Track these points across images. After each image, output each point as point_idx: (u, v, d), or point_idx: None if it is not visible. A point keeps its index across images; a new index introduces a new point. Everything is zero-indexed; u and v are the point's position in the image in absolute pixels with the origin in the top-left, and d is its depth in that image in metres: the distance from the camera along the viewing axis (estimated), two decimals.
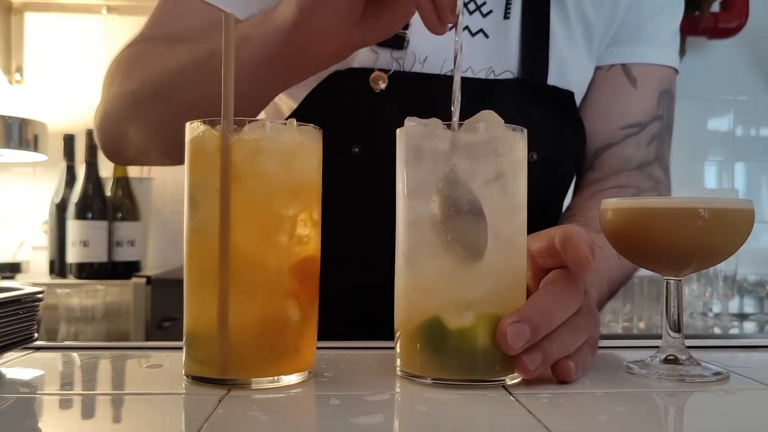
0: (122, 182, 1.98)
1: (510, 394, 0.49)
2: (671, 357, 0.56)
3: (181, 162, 0.55)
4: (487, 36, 0.84)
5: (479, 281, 0.51)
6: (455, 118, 0.53)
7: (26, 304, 0.56)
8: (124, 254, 1.94)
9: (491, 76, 0.84)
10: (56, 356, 0.62)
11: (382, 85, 0.80)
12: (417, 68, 0.82)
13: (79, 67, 2.20)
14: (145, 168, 2.12)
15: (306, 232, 0.52)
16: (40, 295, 0.58)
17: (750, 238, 0.56)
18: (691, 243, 0.55)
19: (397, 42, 0.80)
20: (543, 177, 0.84)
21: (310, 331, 0.53)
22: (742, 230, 0.55)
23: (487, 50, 0.84)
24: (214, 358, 0.50)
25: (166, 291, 1.77)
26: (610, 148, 0.90)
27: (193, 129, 0.53)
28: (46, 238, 2.01)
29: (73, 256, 1.88)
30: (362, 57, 0.80)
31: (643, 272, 0.70)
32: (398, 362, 0.54)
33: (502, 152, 0.52)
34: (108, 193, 1.94)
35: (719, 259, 0.58)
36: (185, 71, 0.72)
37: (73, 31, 2.21)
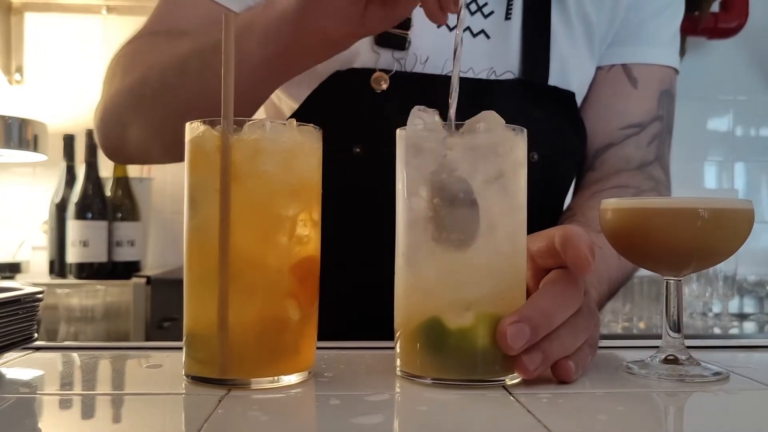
0: (122, 182, 1.98)
1: (510, 394, 0.49)
2: (671, 357, 0.56)
3: (181, 159, 0.54)
4: (488, 37, 0.84)
5: (479, 281, 0.51)
6: (452, 109, 0.53)
7: (26, 304, 0.56)
8: (124, 254, 1.94)
9: (492, 77, 0.84)
10: (56, 356, 0.62)
11: (384, 86, 0.80)
12: (418, 69, 0.82)
13: (79, 67, 2.20)
14: (145, 168, 2.12)
15: (306, 232, 0.52)
16: (40, 295, 0.58)
17: (750, 238, 0.56)
18: (691, 243, 0.55)
19: (399, 42, 0.80)
20: (544, 177, 0.84)
21: (310, 331, 0.53)
22: (741, 230, 0.55)
23: (489, 51, 0.84)
24: (214, 358, 0.50)
25: (166, 291, 1.77)
26: (610, 148, 0.90)
27: (193, 129, 0.53)
28: (46, 238, 2.01)
29: (72, 256, 1.88)
30: (363, 57, 0.81)
31: (643, 272, 0.70)
32: (398, 362, 0.54)
33: (502, 152, 0.52)
34: (108, 193, 1.94)
35: (719, 259, 0.58)
36: (187, 64, 0.71)
37: (73, 31, 2.21)
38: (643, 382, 0.54)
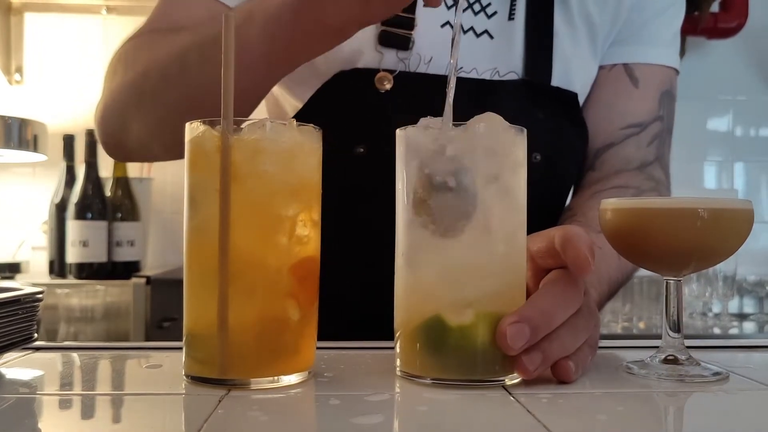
0: (122, 182, 1.98)
1: (510, 394, 0.49)
2: (671, 357, 0.56)
3: (182, 157, 0.54)
4: (491, 37, 0.84)
5: (479, 281, 0.51)
6: (449, 98, 0.53)
7: (26, 305, 0.56)
8: (123, 254, 1.94)
9: (496, 77, 0.84)
10: (56, 356, 0.62)
11: (388, 86, 0.80)
12: (422, 69, 0.82)
13: (78, 67, 2.20)
14: (145, 168, 2.12)
15: (306, 233, 0.52)
16: (40, 296, 0.58)
17: (749, 238, 0.56)
18: (691, 243, 0.55)
19: (403, 42, 0.80)
20: (545, 178, 0.84)
21: (309, 331, 0.53)
22: (741, 230, 0.55)
23: (492, 51, 0.84)
24: (214, 358, 0.50)
25: (166, 291, 1.77)
26: (611, 148, 0.90)
27: (192, 129, 0.53)
28: (46, 238, 2.01)
29: (72, 256, 1.88)
30: (367, 57, 0.80)
31: (643, 272, 0.70)
32: (398, 362, 0.54)
33: (502, 152, 0.52)
34: (108, 193, 1.94)
35: (719, 260, 0.58)
36: (186, 58, 0.71)
37: (73, 31, 2.21)
38: (643, 382, 0.54)
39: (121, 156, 0.88)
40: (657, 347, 0.58)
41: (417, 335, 0.52)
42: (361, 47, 0.79)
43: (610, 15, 0.88)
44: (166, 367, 0.57)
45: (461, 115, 0.53)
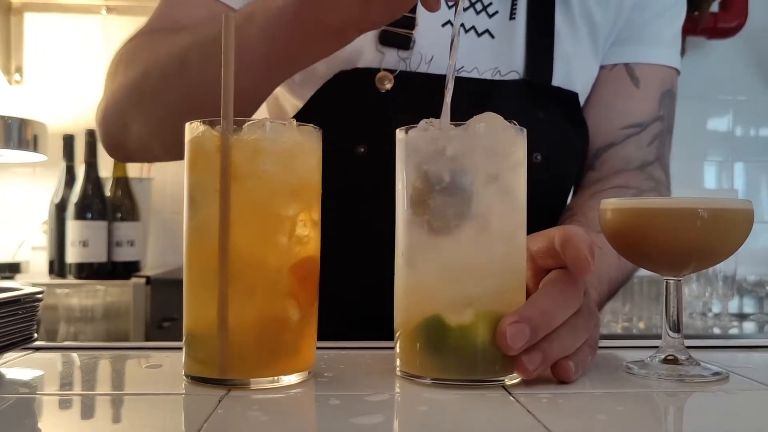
0: (122, 182, 1.98)
1: (510, 394, 0.49)
2: (671, 357, 0.56)
3: (182, 157, 0.54)
4: (493, 36, 0.84)
5: (479, 281, 0.51)
6: (448, 96, 0.53)
7: (26, 305, 0.56)
8: (123, 254, 1.94)
9: (497, 77, 0.84)
10: (56, 356, 0.62)
11: (388, 86, 0.80)
12: (423, 68, 0.82)
13: (78, 67, 2.20)
14: (145, 168, 2.12)
15: (306, 233, 0.52)
16: (40, 296, 0.58)
17: (749, 238, 0.56)
18: (690, 243, 0.55)
19: (403, 42, 0.80)
20: (546, 178, 0.84)
21: (309, 331, 0.53)
22: (741, 230, 0.55)
23: (493, 51, 0.84)
24: (213, 358, 0.50)
25: (165, 291, 1.77)
26: (611, 147, 0.91)
27: (192, 129, 0.53)
28: (46, 238, 2.01)
29: (72, 256, 1.88)
30: (368, 57, 0.80)
31: (643, 272, 0.70)
32: (398, 362, 0.54)
33: (502, 152, 0.52)
34: (107, 193, 1.94)
35: (719, 260, 0.58)
36: (187, 57, 0.71)
37: (73, 32, 2.21)
38: (643, 382, 0.54)
39: (122, 156, 0.88)
40: (657, 347, 0.58)
41: (417, 335, 0.52)
42: (362, 47, 0.79)
43: (612, 15, 0.88)
44: (166, 367, 0.57)
45: (462, 115, 0.53)
